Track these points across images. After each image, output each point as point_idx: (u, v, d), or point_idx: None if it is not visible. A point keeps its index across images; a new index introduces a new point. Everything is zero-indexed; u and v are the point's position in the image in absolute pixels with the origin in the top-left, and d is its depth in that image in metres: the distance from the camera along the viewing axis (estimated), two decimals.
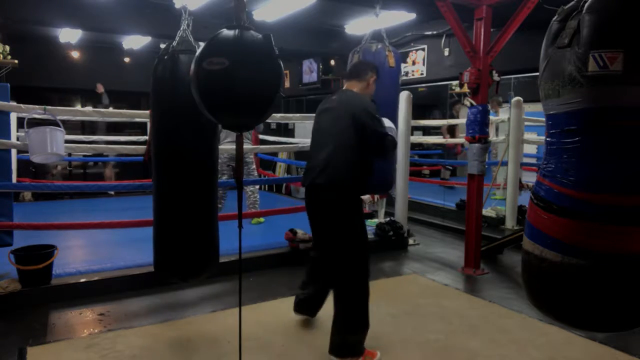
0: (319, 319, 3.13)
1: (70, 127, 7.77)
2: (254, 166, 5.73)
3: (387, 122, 2.69)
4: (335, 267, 2.65)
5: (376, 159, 2.73)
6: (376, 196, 5.39)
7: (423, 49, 7.28)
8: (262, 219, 5.57)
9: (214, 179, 2.64)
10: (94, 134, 7.77)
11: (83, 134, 7.81)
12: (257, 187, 5.68)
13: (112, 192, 7.53)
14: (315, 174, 2.63)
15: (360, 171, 2.63)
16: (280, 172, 8.37)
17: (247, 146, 4.95)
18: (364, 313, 2.61)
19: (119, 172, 8.61)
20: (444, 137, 7.33)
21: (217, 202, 2.70)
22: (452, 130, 7.70)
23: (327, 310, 3.17)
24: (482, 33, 4.05)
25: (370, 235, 5.01)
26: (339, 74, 8.26)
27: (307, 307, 3.06)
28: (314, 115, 2.92)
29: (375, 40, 3.45)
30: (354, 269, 2.61)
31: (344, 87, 2.84)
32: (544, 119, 1.74)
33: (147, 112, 4.20)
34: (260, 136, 7.42)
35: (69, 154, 6.68)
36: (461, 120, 6.42)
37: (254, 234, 5.02)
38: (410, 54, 7.45)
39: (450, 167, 8.19)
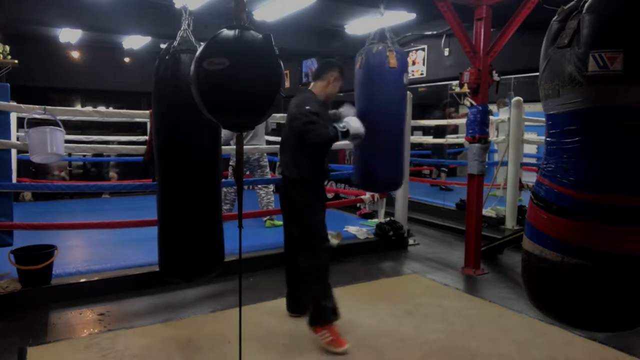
0: None
1: (71, 126, 7.76)
2: (268, 169, 5.64)
3: (348, 110, 3.01)
4: (299, 244, 2.93)
5: (315, 149, 2.91)
6: (376, 196, 5.39)
7: (423, 49, 7.29)
8: (277, 222, 5.31)
9: (218, 178, 2.65)
10: (110, 132, 7.81)
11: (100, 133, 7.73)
12: (272, 189, 5.58)
13: (108, 194, 7.52)
14: (278, 168, 2.97)
15: (303, 164, 2.87)
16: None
17: (247, 146, 4.94)
18: (324, 282, 2.86)
19: (119, 172, 8.61)
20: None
21: (222, 201, 2.72)
22: (441, 132, 7.67)
23: None
24: (482, 33, 4.05)
25: (370, 235, 5.02)
26: None
27: (290, 303, 3.22)
28: None
29: (380, 40, 3.44)
30: (311, 243, 2.88)
31: (310, 87, 3.03)
32: (544, 119, 1.74)
33: (147, 112, 4.21)
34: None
35: (69, 154, 6.68)
36: (461, 121, 6.43)
37: (256, 234, 5.01)
38: (410, 54, 7.44)
39: (446, 169, 8.18)
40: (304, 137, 2.75)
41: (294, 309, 3.17)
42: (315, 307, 2.82)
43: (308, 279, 2.89)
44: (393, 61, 3.25)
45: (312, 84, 3.03)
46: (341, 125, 2.85)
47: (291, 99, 2.99)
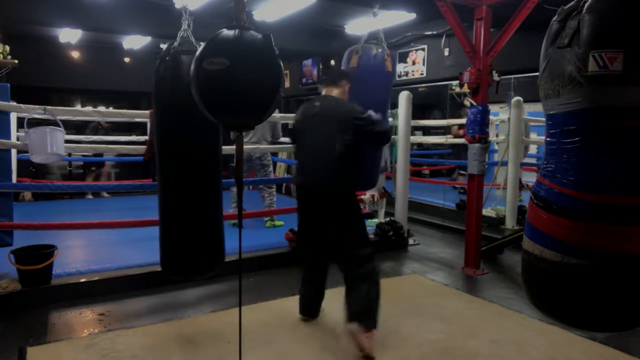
0: (320, 319, 3.13)
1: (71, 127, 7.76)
2: (271, 169, 5.61)
3: (373, 115, 2.98)
4: (349, 250, 2.85)
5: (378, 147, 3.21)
6: (376, 196, 5.39)
7: (423, 49, 7.28)
8: (277, 222, 5.39)
9: (218, 177, 2.65)
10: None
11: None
12: (274, 189, 5.57)
13: (106, 194, 7.50)
14: (309, 174, 2.92)
15: (349, 168, 2.88)
16: (280, 172, 8.36)
17: (246, 146, 4.93)
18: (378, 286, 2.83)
19: (119, 171, 8.60)
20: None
21: (221, 200, 2.71)
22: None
23: (328, 311, 3.18)
24: (482, 33, 4.05)
25: (370, 235, 5.01)
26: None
27: (310, 308, 3.16)
28: None
29: (373, 41, 3.46)
30: (365, 247, 2.87)
31: (324, 93, 3.05)
32: (544, 119, 1.74)
33: (147, 112, 4.21)
34: None
35: (69, 154, 6.68)
36: (461, 121, 6.42)
37: (256, 234, 5.00)
38: (410, 54, 7.45)
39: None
40: (379, 136, 2.89)
41: (309, 313, 3.15)
42: (371, 310, 2.74)
43: (370, 283, 2.79)
44: (390, 66, 3.32)
45: (326, 89, 3.03)
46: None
47: (322, 106, 2.96)
